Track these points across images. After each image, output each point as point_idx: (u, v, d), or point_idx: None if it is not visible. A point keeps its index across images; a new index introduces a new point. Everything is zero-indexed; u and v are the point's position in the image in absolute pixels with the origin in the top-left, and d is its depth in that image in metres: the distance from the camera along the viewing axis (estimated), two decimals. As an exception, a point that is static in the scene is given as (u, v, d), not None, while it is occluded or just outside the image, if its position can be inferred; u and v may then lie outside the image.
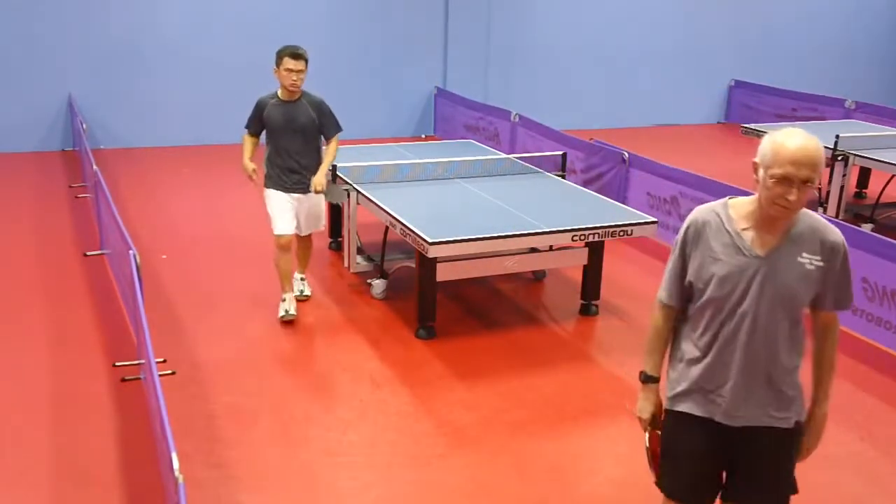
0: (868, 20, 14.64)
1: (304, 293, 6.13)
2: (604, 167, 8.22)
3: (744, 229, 2.67)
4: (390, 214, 5.66)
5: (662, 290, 2.87)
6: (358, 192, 6.18)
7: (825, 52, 14.43)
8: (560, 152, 7.26)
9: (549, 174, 6.99)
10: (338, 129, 5.78)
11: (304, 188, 5.73)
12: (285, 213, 5.71)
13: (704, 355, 2.75)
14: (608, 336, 5.80)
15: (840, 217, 7.76)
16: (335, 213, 7.10)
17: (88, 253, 6.89)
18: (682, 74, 13.60)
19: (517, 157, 7.34)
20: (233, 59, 11.03)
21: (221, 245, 7.34)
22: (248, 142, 5.81)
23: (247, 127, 5.78)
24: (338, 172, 6.29)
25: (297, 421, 4.57)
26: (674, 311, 2.89)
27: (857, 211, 8.57)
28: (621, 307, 6.21)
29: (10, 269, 6.64)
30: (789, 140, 2.52)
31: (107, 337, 5.50)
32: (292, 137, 5.63)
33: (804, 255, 2.64)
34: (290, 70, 5.48)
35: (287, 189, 5.71)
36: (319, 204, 5.96)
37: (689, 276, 2.77)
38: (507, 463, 4.24)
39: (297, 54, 5.49)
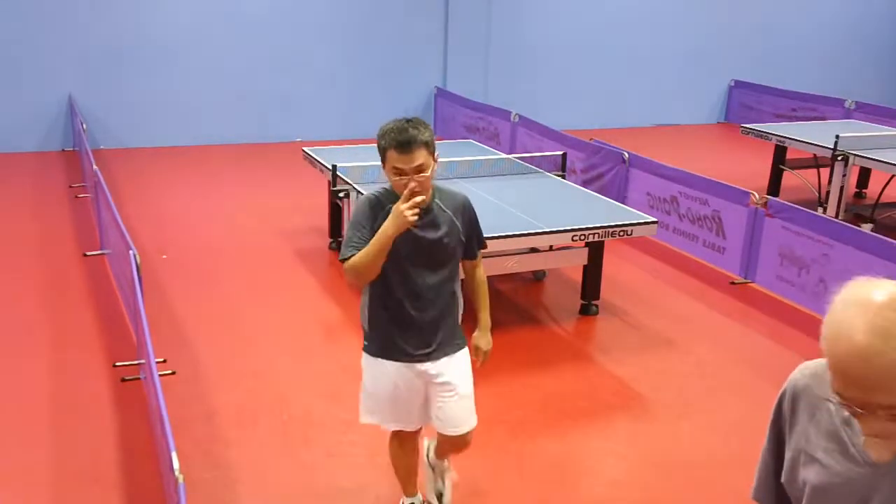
0: (868, 20, 14.63)
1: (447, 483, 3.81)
2: (604, 167, 8.22)
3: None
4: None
5: (753, 485, 1.91)
6: (358, 192, 6.17)
7: (825, 52, 14.43)
8: (560, 152, 7.27)
9: (549, 174, 6.99)
10: (483, 243, 3.54)
11: (435, 352, 3.37)
12: (404, 403, 3.43)
13: None
14: (608, 336, 5.80)
15: (840, 217, 7.75)
16: (335, 212, 7.10)
17: (88, 253, 6.89)
18: (682, 74, 13.60)
19: (517, 157, 7.35)
20: (232, 59, 11.02)
21: (222, 245, 7.34)
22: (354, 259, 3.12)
23: (353, 247, 3.12)
24: (338, 173, 6.29)
25: (297, 421, 4.57)
26: None
27: (857, 211, 8.57)
28: (621, 307, 6.21)
29: (11, 269, 6.64)
30: (846, 328, 1.43)
31: (107, 337, 5.50)
32: (420, 265, 3.25)
33: None
34: (400, 171, 3.04)
35: (409, 357, 3.32)
36: (467, 375, 3.51)
37: (783, 475, 1.78)
38: (507, 463, 4.24)
39: (404, 142, 2.99)
